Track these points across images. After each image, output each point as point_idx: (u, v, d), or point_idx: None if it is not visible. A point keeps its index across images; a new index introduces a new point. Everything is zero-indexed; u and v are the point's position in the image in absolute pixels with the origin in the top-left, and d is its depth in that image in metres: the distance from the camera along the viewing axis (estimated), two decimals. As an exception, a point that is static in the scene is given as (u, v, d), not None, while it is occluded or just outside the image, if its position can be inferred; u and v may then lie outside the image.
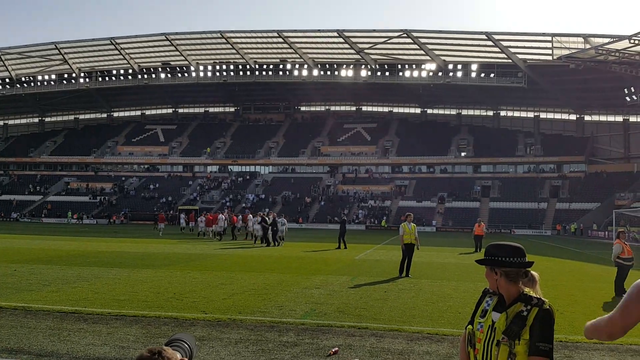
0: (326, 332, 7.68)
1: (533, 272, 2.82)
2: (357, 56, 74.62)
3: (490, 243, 2.93)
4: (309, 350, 6.75)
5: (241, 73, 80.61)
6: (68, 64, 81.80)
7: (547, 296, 9.73)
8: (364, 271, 15.98)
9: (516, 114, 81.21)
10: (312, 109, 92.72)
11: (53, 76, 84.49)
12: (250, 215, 33.02)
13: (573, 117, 76.20)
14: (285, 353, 6.60)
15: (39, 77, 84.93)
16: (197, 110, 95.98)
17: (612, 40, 54.22)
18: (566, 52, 59.13)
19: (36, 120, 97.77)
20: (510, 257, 2.76)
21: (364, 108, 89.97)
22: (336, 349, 6.69)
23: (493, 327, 2.73)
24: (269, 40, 74.33)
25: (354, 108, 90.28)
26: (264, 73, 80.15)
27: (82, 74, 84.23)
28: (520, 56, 66.42)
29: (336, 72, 77.40)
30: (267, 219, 28.17)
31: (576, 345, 7.32)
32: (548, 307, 2.67)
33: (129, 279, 13.08)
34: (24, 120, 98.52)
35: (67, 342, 6.95)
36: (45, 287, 11.52)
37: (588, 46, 57.59)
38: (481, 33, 64.27)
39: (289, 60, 78.67)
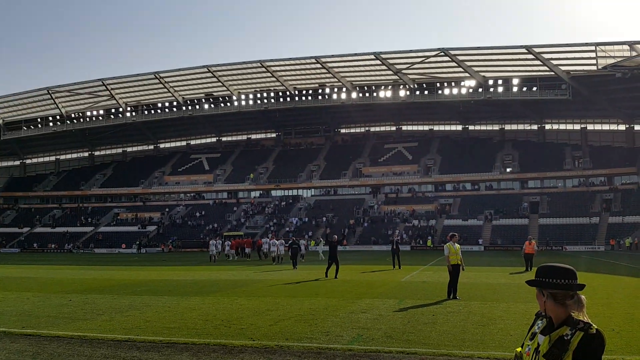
0: (374, 358, 7.61)
1: (581, 296, 2.74)
2: (395, 77, 74.70)
3: (541, 264, 2.90)
4: (357, 376, 6.69)
5: (281, 99, 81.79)
6: (115, 99, 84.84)
7: (602, 315, 9.45)
8: (410, 294, 15.76)
9: (562, 126, 79.40)
10: (352, 130, 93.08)
11: (101, 111, 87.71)
12: (266, 239, 38.55)
13: (622, 127, 73.88)
14: (333, 380, 6.56)
15: (88, 113, 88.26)
16: (239, 137, 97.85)
17: (660, 46, 52.66)
18: (611, 61, 57.56)
19: (86, 154, 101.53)
20: (557, 278, 2.72)
21: (404, 127, 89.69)
22: (385, 374, 6.61)
23: (537, 350, 2.70)
24: (307, 66, 75.32)
25: (394, 128, 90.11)
26: (303, 98, 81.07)
27: (128, 108, 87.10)
28: (563, 68, 65.02)
29: (375, 94, 77.57)
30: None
31: (636, 366, 7.02)
32: (595, 331, 2.57)
33: (178, 306, 13.30)
34: (74, 155, 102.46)
35: (121, 371, 7.11)
36: (99, 316, 11.84)
37: (634, 54, 55.92)
38: (521, 47, 63.38)
39: (327, 84, 79.42)
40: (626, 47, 56.67)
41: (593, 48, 58.92)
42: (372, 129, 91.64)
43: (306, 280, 20.79)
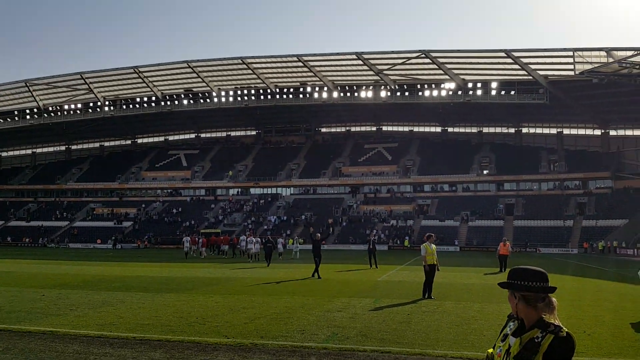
0: (348, 357, 7.63)
1: (552, 298, 2.78)
2: (377, 77, 74.95)
3: (513, 267, 2.95)
4: (331, 374, 6.70)
5: (262, 97, 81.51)
6: (93, 93, 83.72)
7: (573, 317, 9.58)
8: (386, 293, 15.85)
9: (538, 130, 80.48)
10: (333, 130, 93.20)
11: (79, 105, 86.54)
12: (244, 236, 39.09)
13: (598, 132, 75.14)
14: (307, 378, 6.57)
15: (66, 107, 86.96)
16: (219, 134, 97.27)
17: (636, 52, 53.14)
18: (588, 66, 58.31)
19: (63, 148, 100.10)
20: (529, 281, 2.75)
21: (385, 128, 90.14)
22: (358, 373, 6.64)
23: (508, 351, 2.73)
24: (289, 64, 75.18)
25: (374, 128, 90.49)
26: (284, 96, 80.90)
27: (106, 103, 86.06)
28: (541, 72, 65.89)
29: (356, 94, 77.75)
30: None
31: (604, 367, 7.16)
32: (565, 335, 2.61)
33: (153, 303, 13.19)
34: (51, 149, 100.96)
35: (93, 367, 7.02)
36: (72, 311, 11.71)
37: (611, 60, 56.60)
38: (500, 51, 64.08)
39: (309, 83, 79.37)
40: (603, 53, 57.47)
41: (571, 53, 59.73)
42: (353, 129, 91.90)
43: (284, 279, 20.77)
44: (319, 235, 23.46)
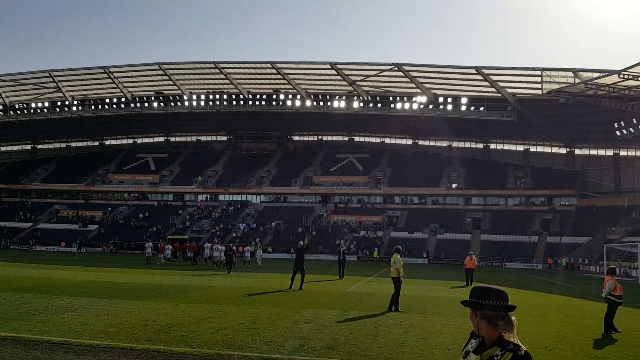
0: (315, 369, 7.65)
1: (511, 317, 2.87)
2: (350, 88, 75.43)
3: (475, 285, 3.02)
4: (297, 387, 6.71)
5: (234, 102, 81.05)
6: (62, 92, 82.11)
7: (536, 332, 9.76)
8: (354, 305, 15.91)
9: (506, 147, 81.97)
10: (305, 138, 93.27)
11: (46, 104, 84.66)
12: (208, 244, 40.21)
13: (563, 150, 76.96)
14: (273, 390, 6.56)
15: (33, 105, 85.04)
16: (189, 138, 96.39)
17: (601, 74, 54.70)
18: (556, 86, 59.73)
19: (28, 147, 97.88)
20: (489, 300, 2.84)
21: (356, 138, 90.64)
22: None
23: None
24: (263, 71, 75.06)
25: (346, 138, 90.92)
26: (257, 103, 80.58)
27: (75, 102, 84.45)
28: (509, 90, 67.22)
29: (329, 103, 78.01)
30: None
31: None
32: (523, 353, 2.69)
33: (117, 310, 12.99)
34: (16, 147, 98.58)
35: (54, 376, 6.89)
36: (35, 316, 11.44)
37: (578, 80, 58.18)
38: (471, 67, 65.22)
39: (282, 90, 79.34)
40: (570, 73, 59.05)
41: (539, 73, 61.14)
42: (325, 138, 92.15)
43: (251, 288, 20.64)
44: (301, 243, 22.65)
